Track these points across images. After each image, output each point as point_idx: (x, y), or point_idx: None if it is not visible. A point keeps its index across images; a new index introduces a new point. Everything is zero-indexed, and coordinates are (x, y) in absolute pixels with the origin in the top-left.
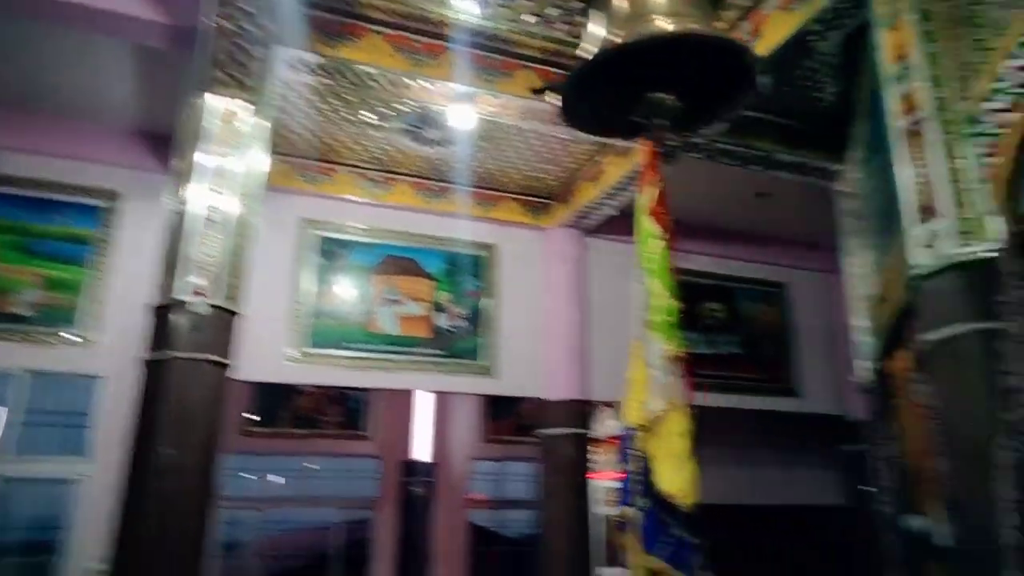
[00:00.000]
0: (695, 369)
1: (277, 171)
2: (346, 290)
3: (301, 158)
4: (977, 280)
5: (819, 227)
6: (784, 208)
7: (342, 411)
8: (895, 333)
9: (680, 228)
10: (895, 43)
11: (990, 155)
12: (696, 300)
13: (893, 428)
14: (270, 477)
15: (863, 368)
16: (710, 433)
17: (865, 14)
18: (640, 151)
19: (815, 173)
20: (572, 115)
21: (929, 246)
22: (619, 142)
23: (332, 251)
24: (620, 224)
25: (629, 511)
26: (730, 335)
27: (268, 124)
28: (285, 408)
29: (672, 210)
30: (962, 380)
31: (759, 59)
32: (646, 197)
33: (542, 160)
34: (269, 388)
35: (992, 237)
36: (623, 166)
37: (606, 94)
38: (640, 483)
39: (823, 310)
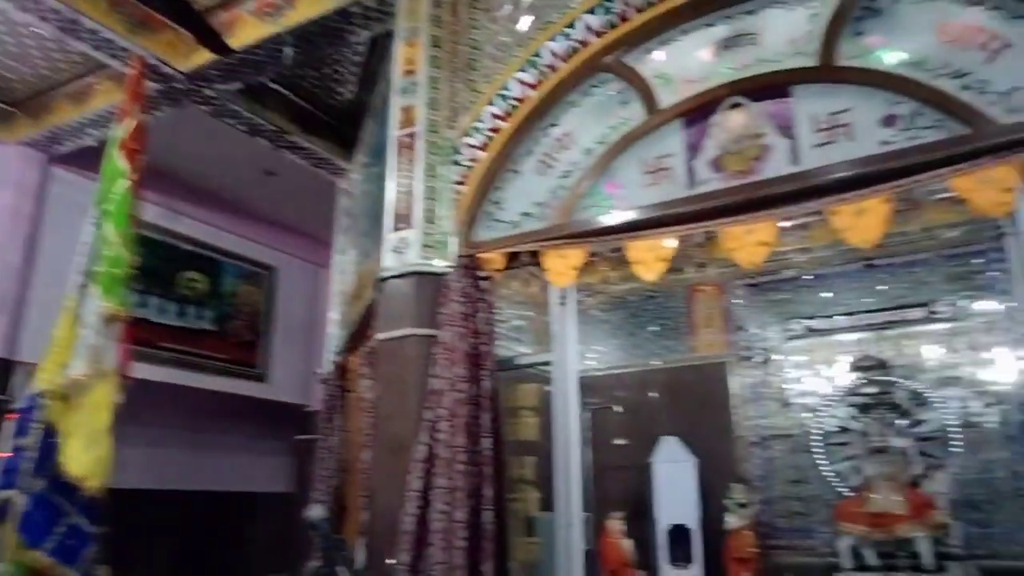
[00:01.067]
0: (157, 340)
1: None
2: None
3: None
4: (428, 290)
5: (319, 219)
6: (289, 192)
7: None
8: (358, 330)
9: (175, 185)
10: (408, 58)
11: (460, 183)
12: (175, 266)
13: (340, 420)
14: None
15: (328, 360)
16: (161, 411)
17: (392, 23)
18: (129, 76)
19: (325, 165)
20: None
21: (398, 252)
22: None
23: None
24: (99, 159)
25: (13, 495)
26: (206, 309)
27: None
28: None
29: (168, 162)
30: (397, 379)
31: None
32: (122, 128)
33: (7, 54)
34: None
35: (448, 255)
36: (117, 95)
37: None
38: (36, 461)
39: (306, 300)
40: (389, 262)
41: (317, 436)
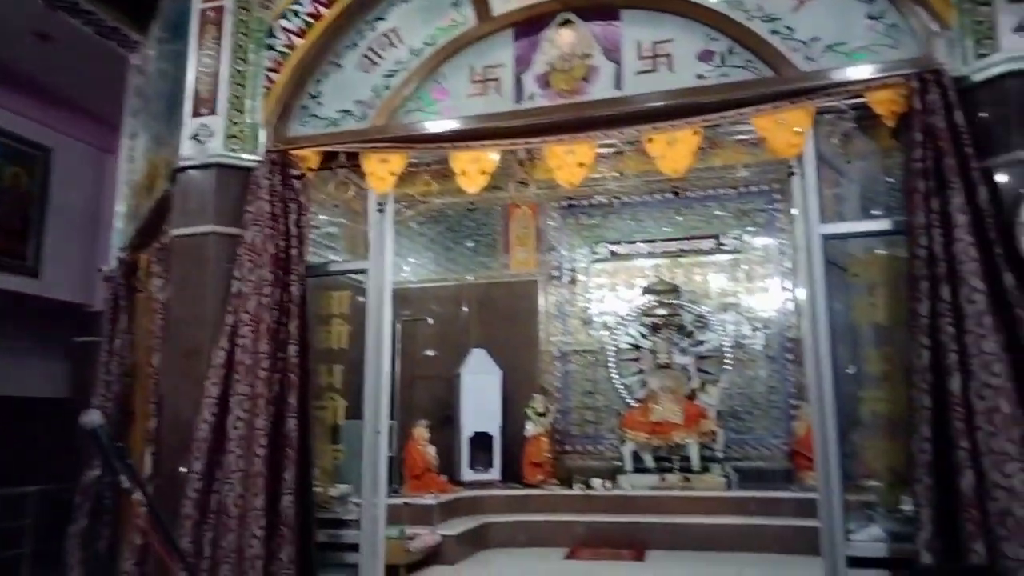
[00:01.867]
0: None
1: None
2: None
3: None
4: (233, 186)
5: (105, 98)
6: (68, 63)
7: None
8: (150, 224)
9: None
10: None
11: (273, 70)
12: None
13: (126, 322)
14: None
15: (114, 257)
16: None
17: None
18: None
19: (114, 36)
20: None
21: (199, 141)
22: None
23: None
24: None
25: None
26: None
27: None
28: None
29: None
30: (194, 280)
31: None
32: None
33: None
34: None
35: (257, 149)
36: None
37: None
38: None
39: (89, 188)
40: (188, 151)
41: (99, 338)
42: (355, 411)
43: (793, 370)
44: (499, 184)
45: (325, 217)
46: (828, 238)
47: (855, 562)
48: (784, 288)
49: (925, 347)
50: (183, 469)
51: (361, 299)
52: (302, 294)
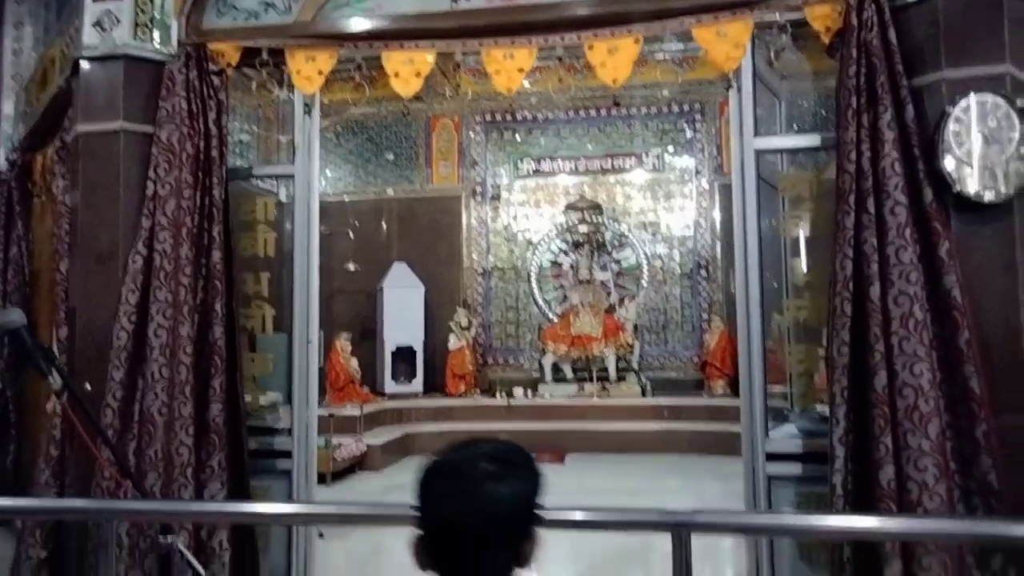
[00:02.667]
0: None
1: None
2: None
3: None
4: (143, 80)
5: None
6: None
7: None
8: (46, 122)
9: None
10: None
11: None
12: None
13: (24, 228)
14: None
15: (4, 159)
16: None
17: None
18: None
19: None
20: None
21: (101, 28)
22: None
23: None
24: None
25: None
26: None
27: None
28: None
29: None
30: (104, 181)
31: None
32: None
33: None
34: None
35: (169, 40)
36: None
37: None
38: None
39: None
40: (90, 39)
41: None
42: (283, 321)
43: (706, 287)
44: (420, 96)
45: (236, 124)
46: (761, 152)
47: (772, 457)
48: (701, 208)
49: (849, 258)
50: (88, 387)
51: (286, 202)
52: (224, 198)
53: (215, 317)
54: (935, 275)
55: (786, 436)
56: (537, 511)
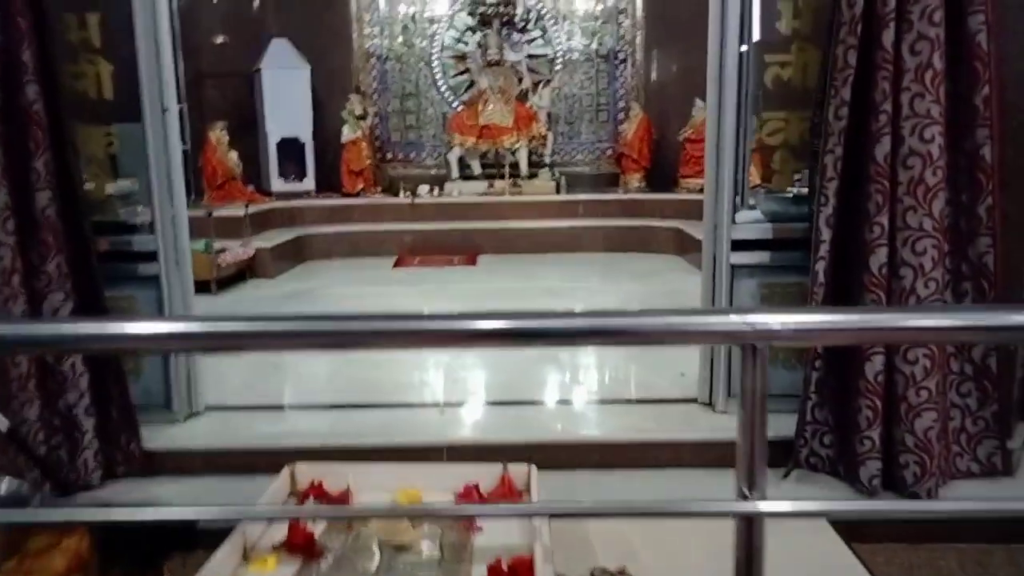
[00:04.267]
0: None
1: None
2: None
3: None
4: None
5: None
6: None
7: None
8: None
9: None
10: None
11: None
12: None
13: None
14: None
15: None
16: None
17: None
18: None
19: None
20: None
21: None
22: None
23: None
24: None
25: None
26: None
27: None
28: None
29: None
30: None
31: None
32: None
33: None
34: None
35: None
36: None
37: None
38: None
39: None
40: None
41: None
42: (125, 82)
43: (623, 71)
44: None
45: None
46: None
47: (736, 245)
48: None
49: None
50: None
51: None
52: None
53: (25, 72)
54: (959, 14)
55: (751, 221)
56: None
